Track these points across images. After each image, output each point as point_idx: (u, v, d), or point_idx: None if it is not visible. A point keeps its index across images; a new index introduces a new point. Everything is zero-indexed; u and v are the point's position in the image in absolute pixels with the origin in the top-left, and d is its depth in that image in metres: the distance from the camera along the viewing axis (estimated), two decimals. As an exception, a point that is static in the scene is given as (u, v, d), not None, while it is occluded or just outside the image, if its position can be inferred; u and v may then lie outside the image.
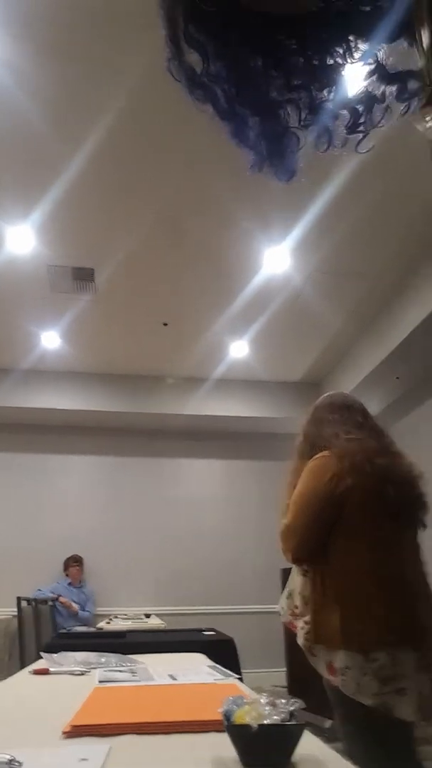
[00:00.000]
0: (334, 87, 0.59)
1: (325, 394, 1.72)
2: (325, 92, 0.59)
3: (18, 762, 0.67)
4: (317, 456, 1.49)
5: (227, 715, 0.64)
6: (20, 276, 3.92)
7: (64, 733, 0.81)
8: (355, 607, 1.30)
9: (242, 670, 2.13)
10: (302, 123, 0.61)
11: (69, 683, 1.30)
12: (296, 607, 1.45)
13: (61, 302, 4.28)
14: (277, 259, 3.82)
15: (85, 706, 0.98)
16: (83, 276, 3.93)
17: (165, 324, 4.64)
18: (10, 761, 0.67)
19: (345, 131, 0.60)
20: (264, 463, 6.18)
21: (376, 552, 1.35)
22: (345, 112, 0.59)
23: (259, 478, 6.11)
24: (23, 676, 1.42)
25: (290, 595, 1.49)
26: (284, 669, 4.33)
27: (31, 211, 3.28)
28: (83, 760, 0.70)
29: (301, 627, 1.39)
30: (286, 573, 4.01)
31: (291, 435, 6.17)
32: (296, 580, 1.48)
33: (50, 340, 4.87)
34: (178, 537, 5.79)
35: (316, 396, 5.74)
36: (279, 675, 4.65)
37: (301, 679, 3.85)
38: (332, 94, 0.59)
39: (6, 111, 2.62)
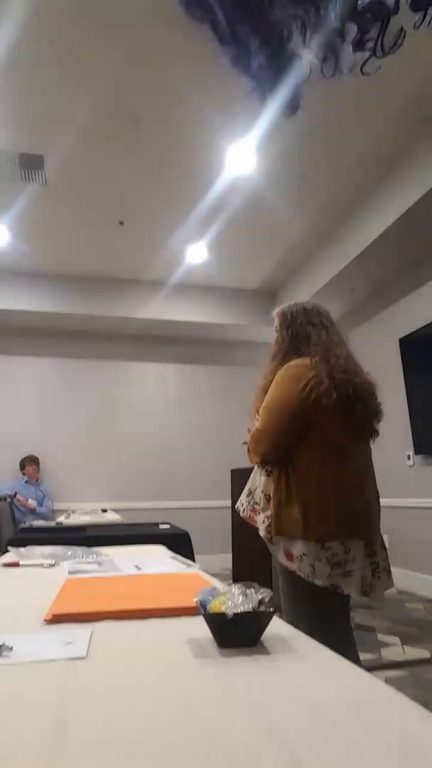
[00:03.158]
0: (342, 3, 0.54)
1: (302, 302, 1.72)
2: (332, 6, 0.54)
3: (8, 646, 0.73)
4: (290, 364, 1.53)
5: (203, 605, 0.71)
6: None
7: (46, 620, 0.88)
8: (315, 503, 1.43)
9: (198, 556, 2.33)
10: (307, 44, 0.57)
11: (40, 575, 1.39)
12: (257, 504, 1.57)
13: (9, 192, 3.95)
14: (240, 156, 3.61)
15: (61, 595, 1.05)
16: (32, 163, 3.61)
17: (121, 223, 4.41)
18: (1, 645, 0.73)
19: (351, 48, 0.56)
20: (218, 368, 6.30)
21: (338, 457, 1.46)
22: (352, 25, 0.55)
23: (212, 382, 6.25)
24: (-6, 569, 1.49)
25: (250, 494, 1.61)
26: (229, 554, 4.76)
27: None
28: (69, 643, 0.76)
29: (262, 521, 1.52)
30: (237, 473, 4.25)
31: (246, 342, 6.27)
32: (258, 479, 1.58)
33: (-1, 234, 4.55)
34: (133, 438, 5.95)
35: (272, 304, 5.78)
36: (225, 559, 5.10)
37: (244, 562, 4.28)
38: (339, 7, 0.54)
39: None
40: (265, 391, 1.58)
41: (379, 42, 0.53)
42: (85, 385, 5.97)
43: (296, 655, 0.69)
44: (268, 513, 1.50)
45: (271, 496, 1.50)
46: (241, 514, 1.63)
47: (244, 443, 1.62)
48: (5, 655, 0.71)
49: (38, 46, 2.69)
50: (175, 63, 2.78)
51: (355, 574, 1.40)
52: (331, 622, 1.44)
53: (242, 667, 0.64)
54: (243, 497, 1.64)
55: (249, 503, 1.60)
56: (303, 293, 5.21)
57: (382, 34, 0.53)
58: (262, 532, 1.52)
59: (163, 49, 2.70)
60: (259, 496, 1.56)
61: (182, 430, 6.12)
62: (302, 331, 1.60)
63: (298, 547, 1.42)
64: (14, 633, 0.81)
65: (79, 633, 0.81)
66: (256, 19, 0.55)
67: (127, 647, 0.74)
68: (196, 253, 4.99)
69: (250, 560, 3.95)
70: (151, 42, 2.67)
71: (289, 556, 1.44)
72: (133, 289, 5.57)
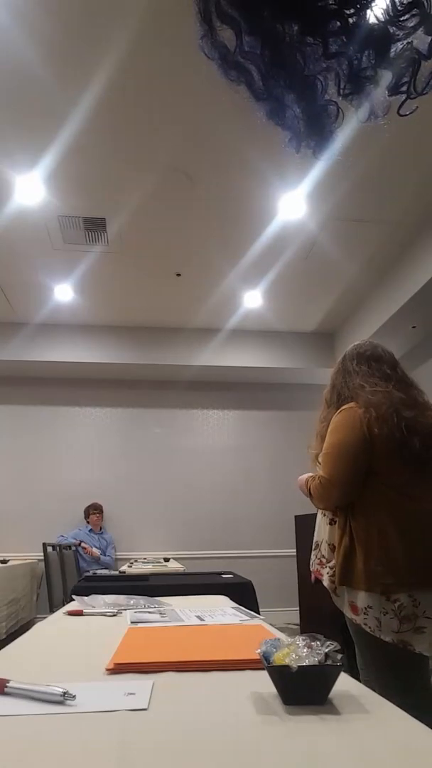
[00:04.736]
0: (374, 48, 0.55)
1: (354, 344, 1.70)
2: (365, 57, 0.56)
3: (71, 695, 0.73)
4: (343, 408, 1.51)
5: (266, 657, 0.68)
6: (31, 227, 3.85)
7: (108, 669, 0.87)
8: (377, 551, 1.35)
9: (263, 609, 2.24)
10: (342, 93, 0.58)
11: (103, 624, 1.38)
12: (323, 557, 1.51)
13: (74, 254, 4.23)
14: (292, 205, 3.71)
15: (123, 645, 1.04)
16: (95, 226, 3.86)
17: (178, 275, 4.58)
18: (65, 693, 0.73)
19: (387, 93, 0.57)
20: (277, 413, 6.25)
21: (400, 500, 1.39)
22: (386, 72, 0.56)
23: (272, 427, 6.19)
24: (59, 616, 1.51)
25: (317, 547, 1.55)
26: (296, 608, 4.55)
27: (38, 159, 3.19)
28: (130, 694, 0.75)
29: (326, 572, 1.46)
30: (300, 519, 4.12)
31: (304, 385, 6.19)
32: (324, 530, 1.53)
33: (63, 293, 4.84)
34: (194, 485, 5.94)
35: (330, 346, 5.73)
36: (291, 614, 4.88)
37: (313, 618, 4.05)
38: (373, 57, 0.55)
39: (5, 53, 2.50)
40: (322, 436, 1.56)
41: (412, 84, 0.54)
42: (146, 434, 6.08)
43: (369, 717, 0.64)
44: (332, 563, 1.44)
45: (336, 545, 1.44)
46: (311, 569, 1.57)
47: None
48: (68, 703, 0.71)
49: (98, 124, 2.93)
50: (226, 121, 2.94)
51: (429, 630, 1.29)
52: (406, 682, 1.33)
53: (308, 726, 0.60)
54: (312, 553, 1.59)
55: (316, 557, 1.55)
56: (362, 333, 5.14)
57: (414, 77, 0.54)
58: (326, 583, 1.46)
59: (214, 111, 2.87)
60: (324, 548, 1.50)
61: (243, 476, 6.05)
62: (356, 376, 1.58)
63: (361, 599, 1.34)
64: (77, 681, 0.80)
65: (140, 684, 0.79)
66: (290, 75, 0.57)
67: (188, 700, 0.72)
68: (252, 299, 5.07)
69: (319, 615, 3.76)
70: (202, 105, 2.84)
71: (354, 609, 1.36)
72: (190, 337, 5.71)
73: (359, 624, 1.34)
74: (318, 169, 3.31)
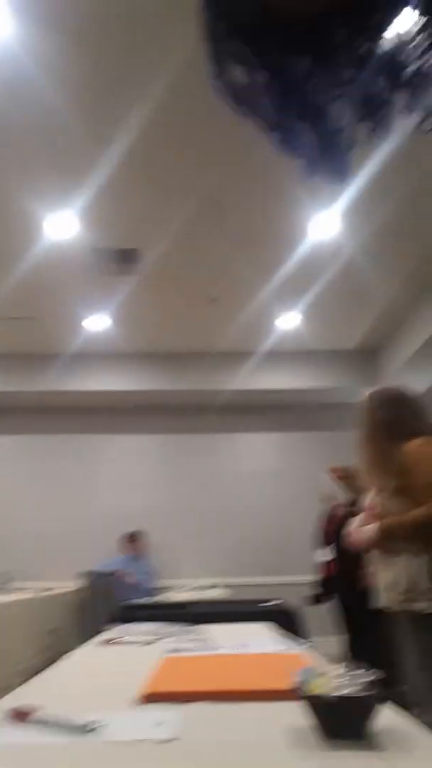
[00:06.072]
0: (386, 73, 0.54)
1: (389, 387, 1.94)
2: (377, 82, 0.55)
3: (99, 724, 0.70)
4: (425, 440, 1.56)
5: (301, 686, 0.63)
6: (66, 260, 3.96)
7: (139, 699, 0.84)
8: None
9: (312, 638, 2.15)
10: (356, 118, 0.58)
11: (138, 653, 1.34)
12: (410, 592, 1.47)
13: (108, 284, 4.32)
14: (325, 224, 3.68)
15: (157, 674, 1.00)
16: (128, 257, 3.94)
17: (213, 300, 4.61)
18: (87, 724, 0.70)
19: (405, 112, 0.56)
20: (319, 434, 6.10)
21: None
22: (400, 94, 0.55)
23: (314, 448, 6.04)
24: (94, 646, 1.48)
25: (396, 585, 1.51)
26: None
27: (72, 195, 3.30)
28: (159, 724, 0.71)
29: (427, 603, 1.43)
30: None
31: (345, 404, 6.01)
32: (402, 566, 1.50)
33: (98, 323, 4.94)
34: (238, 510, 5.84)
35: (373, 364, 5.60)
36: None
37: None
38: (385, 81, 0.54)
39: (37, 101, 2.61)
40: (380, 467, 1.60)
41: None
42: (186, 459, 6.05)
43: (415, 757, 0.58)
44: None
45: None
46: (396, 609, 1.53)
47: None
48: (96, 732, 0.68)
49: (128, 161, 3.01)
50: (253, 145, 2.95)
51: None
52: None
53: (346, 764, 0.55)
54: (386, 592, 1.55)
55: (401, 595, 1.50)
56: (404, 350, 5.04)
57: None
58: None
59: (240, 136, 2.90)
60: (412, 582, 1.47)
61: (290, 500, 5.88)
62: (408, 411, 1.70)
63: None
64: (106, 710, 0.78)
65: (170, 714, 0.75)
66: (301, 105, 0.57)
67: (219, 732, 0.67)
68: (289, 320, 5.04)
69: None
70: (228, 132, 2.88)
71: None
72: (227, 361, 5.68)
73: None
74: (351, 188, 3.29)
